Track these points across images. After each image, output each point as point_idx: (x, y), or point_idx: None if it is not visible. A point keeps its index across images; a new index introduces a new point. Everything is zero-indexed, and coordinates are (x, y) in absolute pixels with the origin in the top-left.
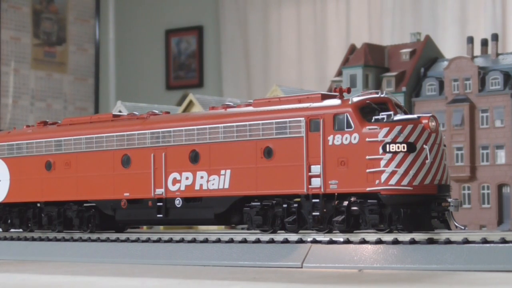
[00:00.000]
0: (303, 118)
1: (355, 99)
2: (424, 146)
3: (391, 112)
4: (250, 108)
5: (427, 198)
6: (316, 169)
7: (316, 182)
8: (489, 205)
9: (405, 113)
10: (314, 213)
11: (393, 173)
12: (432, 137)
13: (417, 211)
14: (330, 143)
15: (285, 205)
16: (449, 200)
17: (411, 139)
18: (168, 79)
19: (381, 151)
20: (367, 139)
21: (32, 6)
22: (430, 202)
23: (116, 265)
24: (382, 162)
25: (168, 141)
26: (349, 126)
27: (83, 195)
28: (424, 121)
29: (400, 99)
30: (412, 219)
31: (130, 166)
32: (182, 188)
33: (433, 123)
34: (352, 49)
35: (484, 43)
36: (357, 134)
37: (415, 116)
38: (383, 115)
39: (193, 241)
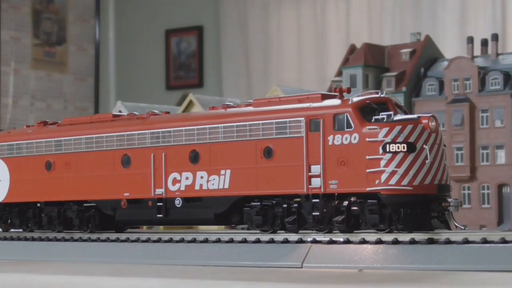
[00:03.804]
0: (303, 118)
1: (355, 99)
2: (424, 146)
3: (391, 112)
4: (250, 108)
5: (427, 198)
6: (316, 169)
7: (316, 182)
8: (489, 205)
9: (405, 113)
10: (314, 213)
11: (393, 173)
12: (432, 137)
13: (417, 211)
14: (330, 143)
15: (285, 205)
16: (449, 200)
17: (411, 139)
18: (168, 79)
19: (381, 151)
20: (367, 139)
21: (32, 6)
22: (430, 202)
23: (116, 265)
24: (382, 162)
25: (168, 141)
26: (349, 126)
27: (83, 195)
28: (424, 121)
29: (400, 99)
30: (412, 219)
31: (130, 166)
32: (182, 188)
33: (433, 123)
34: (352, 49)
35: (484, 43)
36: (357, 134)
37: (415, 116)
38: (383, 115)
39: (193, 241)
